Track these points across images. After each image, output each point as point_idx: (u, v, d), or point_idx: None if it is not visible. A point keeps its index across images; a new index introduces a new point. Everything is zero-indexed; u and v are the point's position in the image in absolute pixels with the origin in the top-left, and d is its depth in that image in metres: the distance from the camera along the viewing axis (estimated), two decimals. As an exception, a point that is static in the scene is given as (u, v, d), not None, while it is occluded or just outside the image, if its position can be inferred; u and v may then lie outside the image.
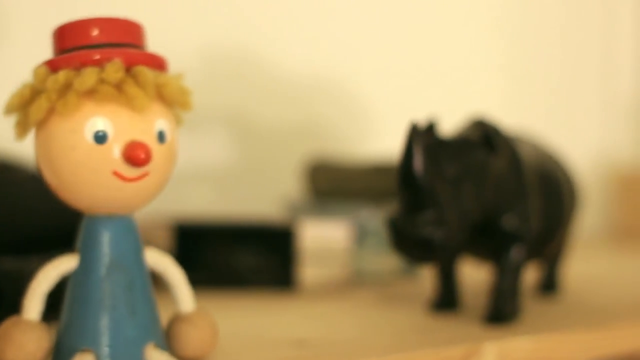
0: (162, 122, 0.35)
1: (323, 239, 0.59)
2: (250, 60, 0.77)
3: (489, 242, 0.48)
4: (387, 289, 0.59)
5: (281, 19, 0.79)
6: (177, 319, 0.37)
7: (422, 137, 0.41)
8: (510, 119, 0.96)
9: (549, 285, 0.58)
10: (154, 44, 0.74)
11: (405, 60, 0.87)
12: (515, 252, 0.48)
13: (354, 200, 0.65)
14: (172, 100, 0.35)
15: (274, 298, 0.56)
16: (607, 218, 1.04)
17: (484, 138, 0.46)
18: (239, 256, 0.59)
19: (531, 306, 0.53)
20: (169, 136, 0.35)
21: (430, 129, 0.46)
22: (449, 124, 0.55)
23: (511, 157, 0.48)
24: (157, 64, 0.36)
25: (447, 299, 0.51)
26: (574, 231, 0.59)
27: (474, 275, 0.58)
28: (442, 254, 0.42)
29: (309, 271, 0.59)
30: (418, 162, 0.41)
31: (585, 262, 0.76)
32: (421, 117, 0.48)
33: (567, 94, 1.02)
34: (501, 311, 0.47)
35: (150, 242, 0.58)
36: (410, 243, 0.41)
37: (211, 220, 0.60)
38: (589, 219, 1.01)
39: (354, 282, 0.61)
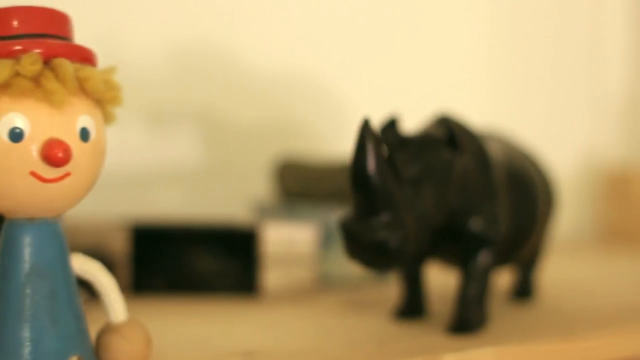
0: (85, 119, 0.32)
1: (288, 242, 0.57)
2: (220, 56, 0.74)
3: (455, 246, 0.46)
4: (354, 295, 0.57)
5: (252, 14, 0.76)
6: (106, 330, 0.35)
7: (374, 134, 0.39)
8: (495, 117, 0.94)
9: (523, 291, 0.55)
10: (120, 39, 0.72)
11: (382, 57, 0.85)
12: (483, 257, 0.45)
13: (323, 201, 0.63)
14: (97, 95, 0.33)
15: (233, 304, 0.53)
16: (594, 219, 1.01)
17: (448, 136, 0.43)
18: (199, 260, 0.56)
19: (502, 314, 0.50)
20: (94, 134, 0.33)
21: (390, 125, 0.44)
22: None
23: (478, 156, 0.46)
24: (82, 56, 0.33)
25: (412, 307, 0.49)
26: (551, 233, 0.56)
27: (445, 280, 0.56)
28: (399, 260, 0.40)
29: (273, 276, 0.56)
30: (370, 162, 0.38)
31: (567, 266, 0.74)
32: (397, 115, 0.45)
33: (554, 91, 1.00)
34: (466, 320, 0.44)
35: (106, 244, 0.55)
36: (363, 249, 0.39)
37: (171, 222, 0.57)
38: (576, 220, 0.99)
39: (321, 287, 0.59)
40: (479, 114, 0.93)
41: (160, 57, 0.71)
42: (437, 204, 0.42)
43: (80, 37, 0.35)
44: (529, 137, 0.97)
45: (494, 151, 0.49)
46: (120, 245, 0.56)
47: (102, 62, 0.70)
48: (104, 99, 0.34)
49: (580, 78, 1.01)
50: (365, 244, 0.39)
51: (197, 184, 0.73)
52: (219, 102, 0.74)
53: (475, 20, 0.92)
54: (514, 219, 0.47)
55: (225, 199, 0.73)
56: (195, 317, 0.49)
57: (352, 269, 0.59)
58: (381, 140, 0.41)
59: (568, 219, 0.99)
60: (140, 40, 0.70)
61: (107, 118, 0.35)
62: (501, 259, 0.49)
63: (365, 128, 0.38)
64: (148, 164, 0.71)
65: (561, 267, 0.73)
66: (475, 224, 0.45)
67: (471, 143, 0.46)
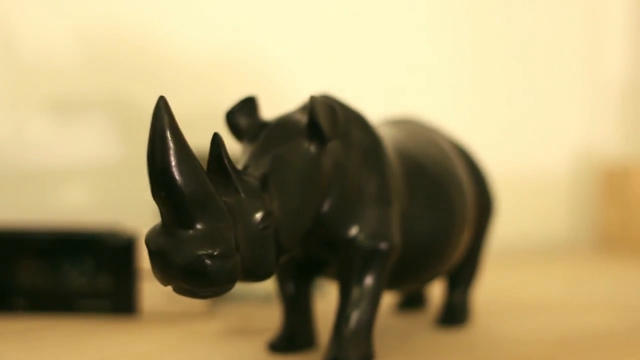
0: None
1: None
2: (136, 38, 0.65)
3: (335, 261, 0.36)
4: (247, 317, 0.47)
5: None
6: None
7: (173, 118, 0.29)
8: (482, 110, 0.83)
9: (449, 316, 0.45)
10: (20, 19, 0.64)
11: (324, 42, 0.75)
12: (369, 275, 0.35)
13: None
14: None
15: (99, 328, 0.44)
16: (590, 221, 0.90)
17: (310, 124, 0.34)
18: (67, 274, 0.47)
19: (410, 348, 0.40)
20: None
21: (242, 108, 0.35)
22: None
23: (368, 150, 0.36)
24: None
25: (292, 337, 0.39)
26: (487, 243, 0.46)
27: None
28: (223, 285, 0.30)
29: (151, 294, 0.47)
30: (171, 155, 0.29)
31: (541, 279, 0.63)
32: (253, 96, 0.36)
33: (547, 82, 0.89)
34: (342, 359, 0.35)
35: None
36: (174, 271, 0.29)
37: (35, 229, 0.48)
38: (570, 223, 0.88)
39: (213, 306, 0.49)
40: (466, 108, 0.83)
41: (68, 40, 0.63)
42: (293, 210, 0.33)
43: None
44: (520, 132, 0.87)
45: (395, 144, 0.39)
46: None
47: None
48: None
49: (576, 67, 0.90)
50: (175, 265, 0.29)
51: (108, 184, 0.64)
52: (133, 90, 0.65)
53: (461, 3, 0.82)
54: (420, 226, 0.38)
55: (139, 200, 0.63)
56: (34, 348, 0.40)
57: (249, 285, 0.50)
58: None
59: (561, 221, 0.88)
60: (43, 20, 0.62)
61: None
62: (404, 278, 0.39)
63: (162, 111, 0.29)
64: (50, 161, 0.62)
65: (531, 280, 0.63)
66: (358, 234, 0.35)
67: (356, 133, 0.36)
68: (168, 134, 0.28)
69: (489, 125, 0.85)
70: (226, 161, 0.31)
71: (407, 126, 0.43)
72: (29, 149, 0.61)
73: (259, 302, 0.52)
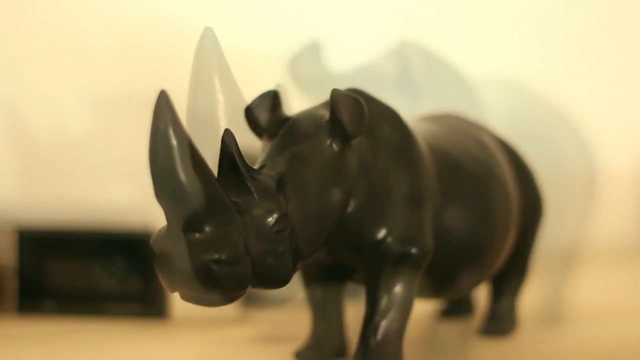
0: None
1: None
2: (181, 38, 0.64)
3: (363, 265, 0.34)
4: (281, 323, 0.45)
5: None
6: None
7: (176, 113, 0.27)
8: (539, 103, 0.79)
9: (495, 325, 0.42)
10: (63, 23, 0.62)
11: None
12: (399, 282, 0.33)
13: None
14: None
15: (128, 333, 0.43)
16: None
17: (332, 119, 0.31)
18: (96, 275, 0.46)
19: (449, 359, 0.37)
20: None
21: (263, 102, 0.33)
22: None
23: (396, 147, 0.34)
24: None
25: (320, 346, 0.37)
26: (535, 247, 0.43)
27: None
28: (233, 293, 0.28)
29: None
30: (175, 154, 0.27)
31: (602, 285, 0.59)
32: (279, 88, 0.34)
33: (615, 77, 0.84)
34: (367, 373, 0.32)
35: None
36: (178, 277, 0.27)
37: (66, 228, 0.47)
38: (632, 225, 0.83)
39: (244, 311, 0.47)
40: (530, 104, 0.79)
41: (111, 35, 0.62)
42: (311, 211, 0.30)
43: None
44: (586, 129, 0.82)
45: (433, 140, 0.37)
46: (5, 253, 0.46)
47: (40, 40, 0.57)
48: None
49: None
50: (179, 271, 0.27)
51: (144, 182, 0.62)
52: (175, 88, 0.64)
53: None
54: (457, 230, 0.35)
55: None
56: (62, 352, 0.39)
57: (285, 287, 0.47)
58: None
59: (629, 223, 0.84)
60: (87, 15, 0.61)
61: None
62: (440, 286, 0.36)
63: (163, 106, 0.27)
64: (90, 159, 0.61)
65: (589, 285, 0.59)
66: (386, 237, 0.33)
67: (386, 128, 0.34)
68: (170, 131, 0.26)
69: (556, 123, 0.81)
70: (237, 159, 0.29)
71: (448, 121, 0.40)
72: (71, 144, 0.61)
73: (296, 306, 0.50)
